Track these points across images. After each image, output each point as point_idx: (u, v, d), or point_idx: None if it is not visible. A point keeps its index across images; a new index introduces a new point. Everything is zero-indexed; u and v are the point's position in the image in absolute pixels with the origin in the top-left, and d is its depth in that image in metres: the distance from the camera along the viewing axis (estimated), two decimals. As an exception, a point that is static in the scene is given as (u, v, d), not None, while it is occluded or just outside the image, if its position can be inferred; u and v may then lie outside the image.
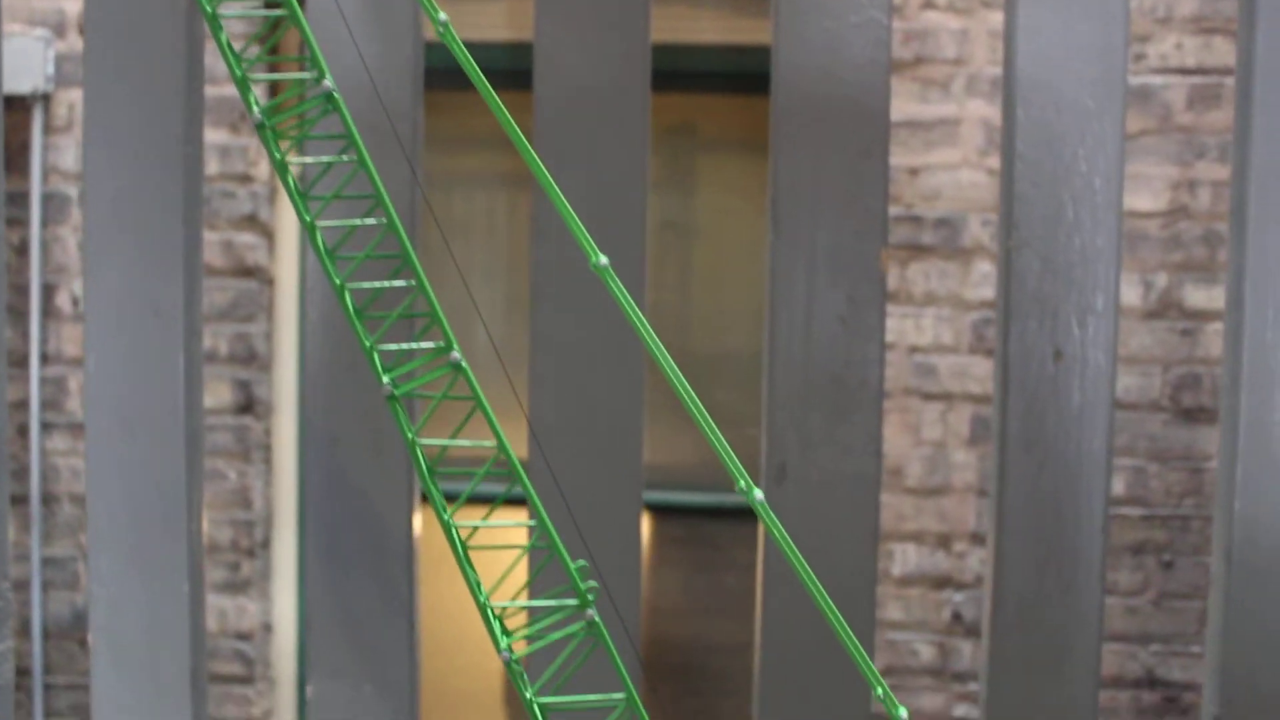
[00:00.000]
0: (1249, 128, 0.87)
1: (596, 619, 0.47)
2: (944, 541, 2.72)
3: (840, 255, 0.87)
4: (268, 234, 2.80)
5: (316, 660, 0.93)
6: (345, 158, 0.54)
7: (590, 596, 0.46)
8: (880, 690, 0.47)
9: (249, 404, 2.78)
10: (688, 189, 2.97)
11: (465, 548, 0.48)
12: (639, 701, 0.55)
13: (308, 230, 0.54)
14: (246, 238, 2.78)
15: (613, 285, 0.44)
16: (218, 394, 2.78)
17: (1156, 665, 2.78)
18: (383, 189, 0.52)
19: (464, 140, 2.80)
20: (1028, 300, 0.87)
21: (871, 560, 0.89)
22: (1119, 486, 2.71)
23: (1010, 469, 0.89)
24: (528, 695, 0.55)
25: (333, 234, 0.58)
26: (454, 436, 0.50)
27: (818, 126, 0.88)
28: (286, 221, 2.81)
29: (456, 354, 0.47)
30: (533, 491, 0.48)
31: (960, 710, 2.77)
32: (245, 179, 2.78)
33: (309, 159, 0.57)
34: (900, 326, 2.68)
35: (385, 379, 0.48)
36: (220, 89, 2.69)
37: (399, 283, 0.48)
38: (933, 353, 2.68)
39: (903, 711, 0.47)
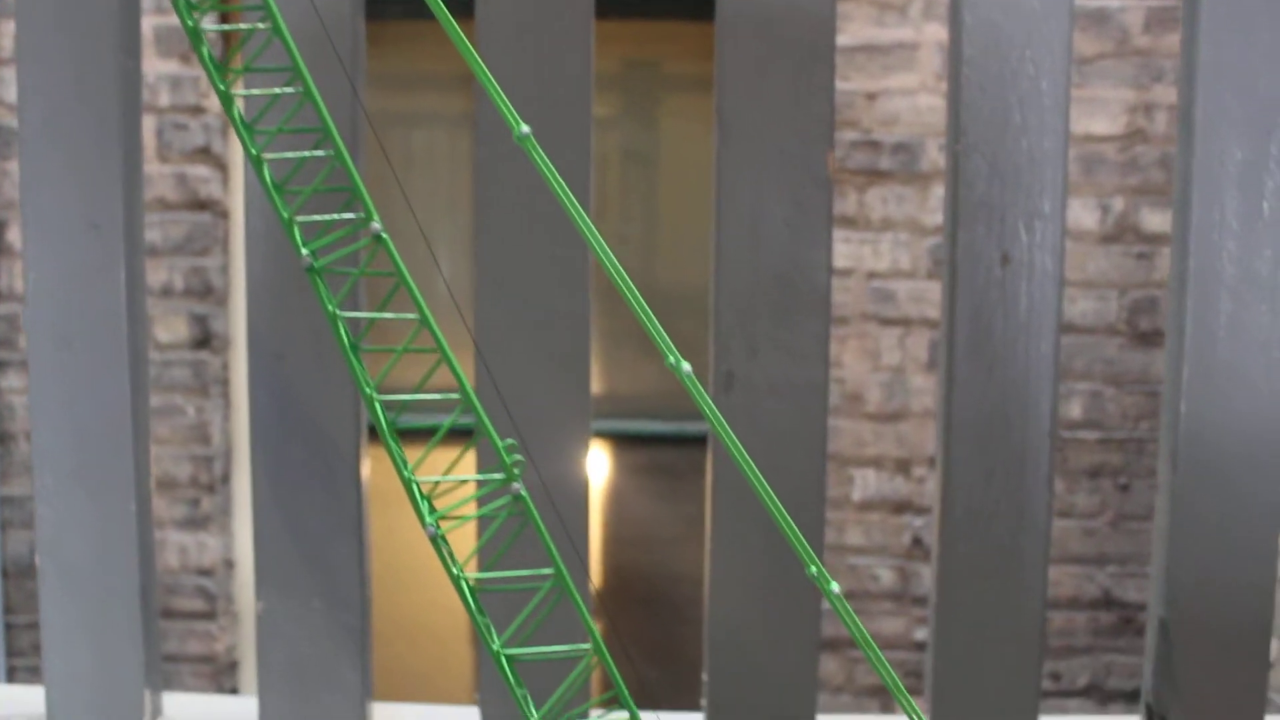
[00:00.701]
0: (1195, 30, 0.87)
1: (523, 493, 0.46)
2: (903, 466, 2.74)
3: (786, 160, 0.86)
4: (221, 167, 2.76)
5: (265, 577, 0.92)
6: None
7: (516, 471, 0.46)
8: (814, 568, 0.46)
9: (205, 338, 2.76)
10: (650, 121, 2.94)
11: (391, 425, 0.47)
12: (568, 579, 0.55)
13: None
14: (200, 170, 2.74)
15: (536, 157, 0.43)
16: (173, 329, 2.76)
17: (1113, 586, 2.81)
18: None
19: (412, 78, 2.77)
20: (975, 205, 0.87)
21: (820, 468, 0.89)
22: (1075, 410, 2.73)
23: (958, 375, 0.89)
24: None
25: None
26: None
27: (764, 31, 0.87)
28: (240, 154, 2.78)
29: (377, 224, 0.46)
30: (458, 368, 0.48)
31: (920, 633, 2.79)
32: (197, 110, 2.74)
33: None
34: (858, 252, 2.68)
35: (304, 250, 0.47)
36: (169, 19, 2.65)
37: (319, 153, 0.47)
38: (891, 278, 2.68)
39: (835, 586, 0.47)
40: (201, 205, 2.74)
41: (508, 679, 0.51)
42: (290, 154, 0.51)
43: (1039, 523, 0.90)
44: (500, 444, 0.46)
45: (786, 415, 0.88)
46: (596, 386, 2.92)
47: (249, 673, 2.99)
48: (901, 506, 2.75)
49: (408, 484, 0.47)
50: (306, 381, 0.90)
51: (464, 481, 0.46)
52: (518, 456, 0.45)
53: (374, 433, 0.92)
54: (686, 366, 0.44)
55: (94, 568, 0.92)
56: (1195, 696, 0.94)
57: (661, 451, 2.92)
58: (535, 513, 0.46)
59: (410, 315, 0.46)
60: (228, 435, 2.82)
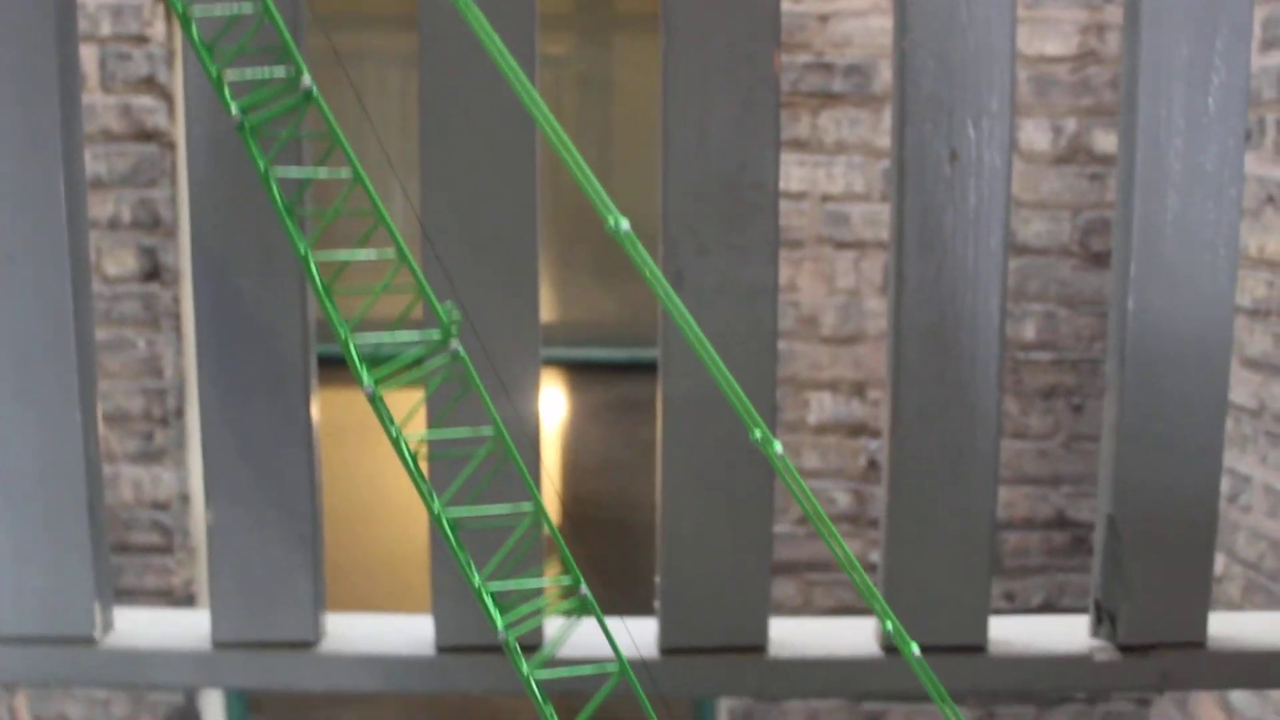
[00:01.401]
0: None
1: (461, 352, 0.46)
2: (859, 389, 2.75)
3: (733, 59, 0.86)
4: (166, 96, 2.72)
5: (214, 487, 0.91)
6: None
7: (454, 329, 0.45)
8: (759, 432, 0.46)
9: (155, 271, 2.73)
10: (604, 52, 2.92)
11: (329, 290, 0.47)
12: (509, 439, 0.54)
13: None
14: (145, 100, 2.70)
15: (470, 18, 0.42)
16: (123, 261, 2.73)
17: (1066, 506, 2.84)
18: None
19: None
20: (923, 101, 0.86)
21: (770, 370, 0.89)
22: (1029, 331, 2.74)
23: (908, 272, 0.89)
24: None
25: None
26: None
27: (710, -72, 0.86)
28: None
29: (308, 80, 0.45)
30: (393, 226, 0.47)
31: (875, 556, 2.82)
32: (140, 40, 2.69)
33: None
34: (812, 175, 2.68)
35: (234, 108, 0.46)
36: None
37: (247, 6, 0.46)
38: (845, 201, 2.68)
39: (778, 447, 0.47)
40: (148, 136, 2.70)
41: (449, 540, 0.50)
42: (220, 8, 0.50)
43: (989, 421, 0.91)
44: (438, 304, 0.46)
45: (736, 315, 0.88)
46: (552, 315, 2.91)
47: (206, 606, 2.98)
48: (857, 429, 2.77)
49: (345, 344, 0.46)
50: (253, 289, 0.88)
51: (401, 342, 0.46)
52: (456, 316, 0.45)
53: (329, 362, 0.91)
54: (625, 224, 0.44)
55: (41, 481, 0.91)
56: (1143, 593, 0.95)
57: (620, 379, 2.92)
58: (474, 373, 0.46)
59: (343, 172, 0.45)
60: (180, 369, 2.80)
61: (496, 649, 0.94)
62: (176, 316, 2.78)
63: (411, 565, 2.99)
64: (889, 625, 0.52)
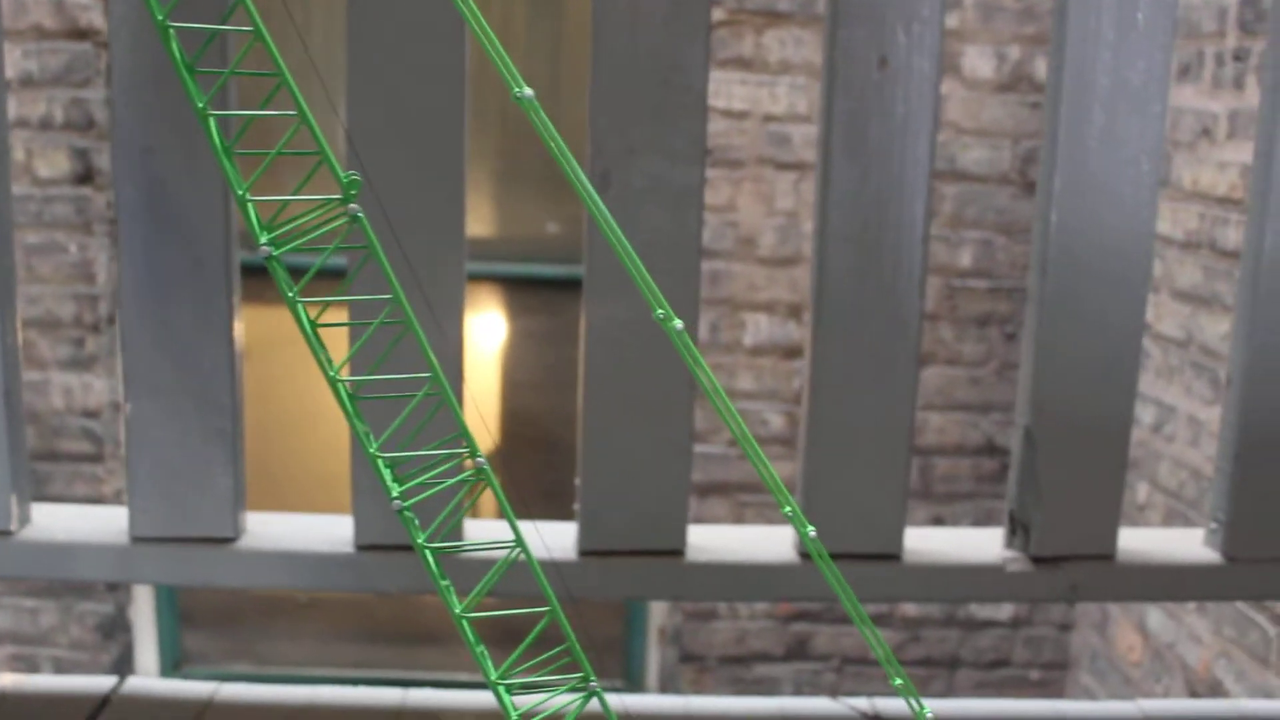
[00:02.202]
0: None
1: (360, 216, 0.46)
2: (795, 312, 2.76)
3: (666, -44, 0.85)
4: (101, -5, 2.66)
5: (133, 379, 0.91)
6: None
7: (353, 190, 0.45)
8: (661, 311, 0.46)
9: (88, 174, 2.69)
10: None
11: (229, 148, 0.46)
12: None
13: None
14: (78, -2, 2.64)
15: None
16: (54, 163, 2.68)
17: (996, 434, 2.87)
18: None
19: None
20: (854, 4, 0.86)
21: (694, 270, 0.89)
22: (965, 259, 2.76)
23: (834, 177, 0.89)
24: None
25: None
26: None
27: None
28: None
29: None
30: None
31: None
32: (75, -64, 2.63)
33: None
34: (754, 95, 2.67)
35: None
36: None
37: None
38: (787, 122, 2.68)
39: (677, 323, 0.47)
40: (81, 34, 2.65)
41: (345, 408, 0.50)
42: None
43: (910, 331, 0.91)
44: (340, 170, 0.45)
45: (663, 216, 0.87)
46: (488, 230, 2.89)
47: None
48: (792, 352, 2.78)
49: (241, 203, 0.45)
50: (176, 178, 0.87)
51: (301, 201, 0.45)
52: (357, 178, 0.44)
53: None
54: (529, 91, 0.43)
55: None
56: (1055, 505, 0.97)
57: (555, 295, 2.91)
58: (374, 238, 0.45)
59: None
60: (113, 274, 2.76)
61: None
62: (111, 221, 2.73)
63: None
64: (788, 509, 0.52)
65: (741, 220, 2.70)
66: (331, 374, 0.50)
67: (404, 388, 0.53)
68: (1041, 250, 0.91)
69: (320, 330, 0.52)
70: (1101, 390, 0.94)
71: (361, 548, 0.95)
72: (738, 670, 2.97)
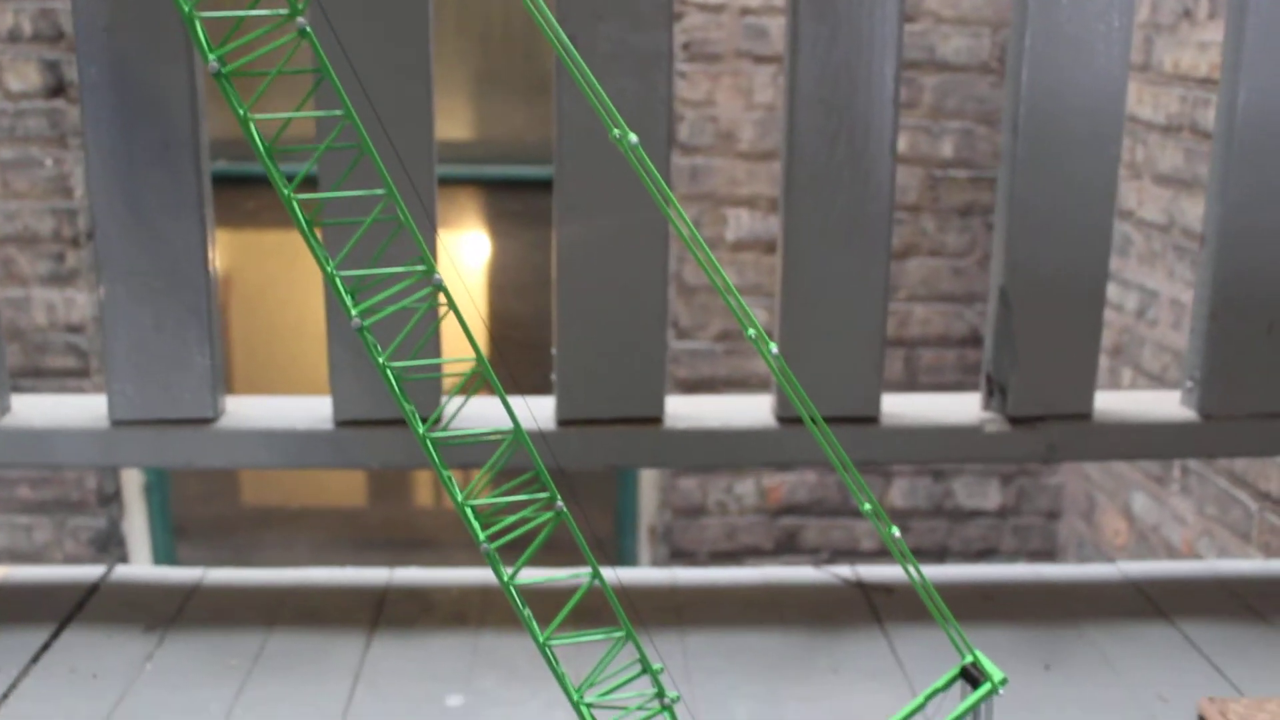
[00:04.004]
0: None
1: (309, 30, 0.45)
2: (775, 206, 2.75)
3: None
4: (66, -98, 2.62)
5: (105, 260, 0.90)
6: None
7: (300, 4, 0.45)
8: (617, 131, 0.46)
9: (60, 86, 2.66)
10: None
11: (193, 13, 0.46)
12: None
13: None
14: (42, -94, 2.60)
15: None
16: (25, 76, 2.65)
17: (980, 324, 2.88)
18: None
19: None
20: None
21: (665, 135, 0.89)
22: (947, 149, 2.75)
23: (802, 40, 0.88)
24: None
25: None
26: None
27: None
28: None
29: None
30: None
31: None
32: None
33: None
34: (731, -13, 2.64)
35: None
36: None
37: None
38: (764, 14, 2.65)
39: (633, 137, 0.47)
40: (46, -57, 2.60)
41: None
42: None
43: (883, 192, 0.91)
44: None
45: (629, 82, 0.87)
46: (469, 132, 2.87)
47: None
48: (773, 246, 2.78)
49: (189, 20, 0.45)
50: (139, 54, 0.86)
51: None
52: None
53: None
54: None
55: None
56: (1031, 366, 0.97)
57: (537, 196, 2.90)
58: (323, 54, 0.45)
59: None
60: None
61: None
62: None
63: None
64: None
65: (720, 115, 2.68)
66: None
67: (365, 212, 0.53)
68: (1013, 110, 0.91)
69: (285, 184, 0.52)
70: (1076, 249, 0.94)
71: (341, 424, 0.95)
72: (728, 565, 3.00)
